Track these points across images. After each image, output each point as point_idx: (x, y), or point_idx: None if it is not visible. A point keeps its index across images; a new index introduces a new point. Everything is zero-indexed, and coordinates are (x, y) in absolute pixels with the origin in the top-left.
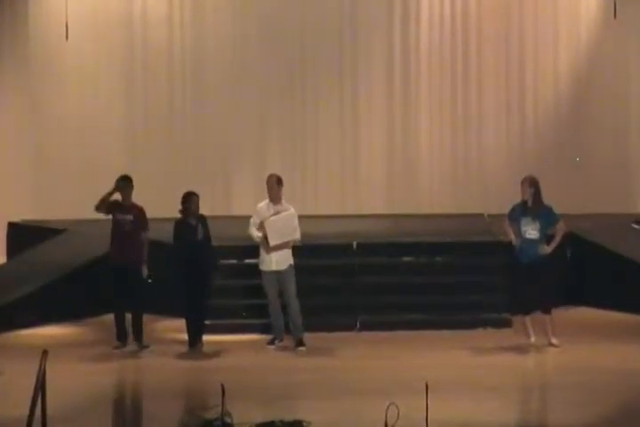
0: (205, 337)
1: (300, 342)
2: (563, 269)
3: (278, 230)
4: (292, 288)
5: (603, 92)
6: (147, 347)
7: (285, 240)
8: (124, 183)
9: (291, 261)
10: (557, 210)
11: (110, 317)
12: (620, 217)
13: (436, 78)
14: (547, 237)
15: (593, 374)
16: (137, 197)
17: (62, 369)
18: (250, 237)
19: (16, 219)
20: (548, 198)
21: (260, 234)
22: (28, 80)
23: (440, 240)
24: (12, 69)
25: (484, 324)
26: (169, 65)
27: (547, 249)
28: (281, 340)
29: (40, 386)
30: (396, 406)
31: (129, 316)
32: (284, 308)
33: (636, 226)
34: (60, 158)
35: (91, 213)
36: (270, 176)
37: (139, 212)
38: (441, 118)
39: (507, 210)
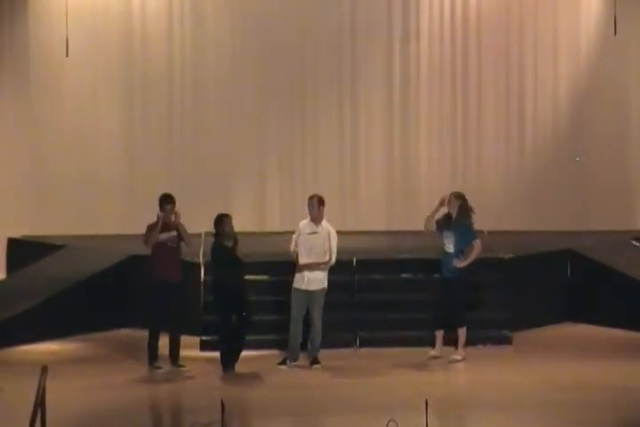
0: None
1: (315, 360)
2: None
3: (309, 249)
4: (319, 310)
5: (602, 108)
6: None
7: (315, 261)
8: (169, 201)
9: (324, 284)
10: (557, 227)
11: (110, 333)
12: (620, 234)
13: (436, 94)
14: (463, 253)
15: (593, 391)
16: (136, 210)
17: (62, 385)
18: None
19: (16, 235)
20: (547, 214)
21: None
22: (27, 95)
23: (439, 257)
24: (12, 85)
25: (484, 341)
26: (168, 80)
27: (457, 263)
28: (294, 360)
29: (40, 402)
30: (396, 423)
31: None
32: (306, 326)
33: (636, 243)
34: (59, 174)
35: (90, 229)
36: (312, 197)
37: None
38: (440, 134)
39: (505, 226)
